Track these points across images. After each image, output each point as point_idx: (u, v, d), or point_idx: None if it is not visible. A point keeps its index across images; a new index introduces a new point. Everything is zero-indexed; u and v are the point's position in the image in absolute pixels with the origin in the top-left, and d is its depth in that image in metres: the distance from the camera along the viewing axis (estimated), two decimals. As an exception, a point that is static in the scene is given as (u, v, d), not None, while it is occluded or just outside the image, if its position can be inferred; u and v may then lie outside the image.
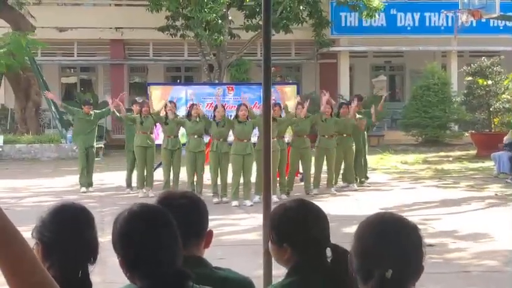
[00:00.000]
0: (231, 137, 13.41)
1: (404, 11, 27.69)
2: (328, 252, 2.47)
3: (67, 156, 21.74)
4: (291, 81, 26.53)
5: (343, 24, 27.36)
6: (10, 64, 22.40)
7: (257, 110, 13.87)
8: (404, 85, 31.05)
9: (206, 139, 13.95)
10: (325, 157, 14.31)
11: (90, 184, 14.88)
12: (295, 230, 2.53)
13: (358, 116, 15.04)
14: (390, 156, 21.54)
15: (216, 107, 13.75)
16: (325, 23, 25.83)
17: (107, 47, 28.20)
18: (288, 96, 16.37)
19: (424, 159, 21.02)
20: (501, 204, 13.02)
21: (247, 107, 13.20)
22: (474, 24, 22.70)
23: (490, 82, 22.25)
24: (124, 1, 29.46)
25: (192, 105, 14.13)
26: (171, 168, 13.89)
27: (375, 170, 17.82)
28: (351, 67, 28.86)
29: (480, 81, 22.34)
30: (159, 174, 14.45)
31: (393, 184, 15.96)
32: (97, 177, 15.56)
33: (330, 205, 11.94)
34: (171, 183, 13.80)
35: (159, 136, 14.75)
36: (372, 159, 17.22)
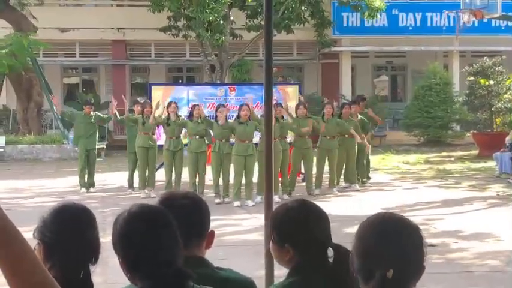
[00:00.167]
0: (233, 138, 13.41)
1: (406, 11, 27.68)
2: (330, 252, 2.47)
3: (69, 156, 21.74)
4: (292, 82, 26.54)
5: (345, 25, 27.35)
6: (12, 65, 22.41)
7: (259, 110, 13.88)
8: (406, 85, 31.03)
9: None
10: (327, 158, 14.31)
11: (91, 185, 14.89)
12: (297, 230, 2.52)
13: (359, 116, 15.07)
14: (392, 157, 21.54)
15: (218, 107, 13.76)
16: (327, 23, 25.82)
17: (109, 48, 28.21)
18: (290, 96, 16.38)
19: (426, 160, 21.02)
20: (503, 204, 13.01)
21: (249, 107, 13.19)
22: (476, 24, 22.75)
23: (491, 82, 22.25)
24: (126, 1, 29.48)
25: (194, 105, 14.13)
26: (173, 168, 13.90)
27: (377, 170, 17.82)
28: (352, 67, 28.85)
29: (482, 81, 22.33)
30: (161, 175, 14.46)
31: (395, 184, 15.95)
32: (99, 178, 15.58)
33: (332, 205, 11.94)
34: (173, 184, 13.81)
35: (161, 137, 14.76)
36: (374, 160, 17.22)
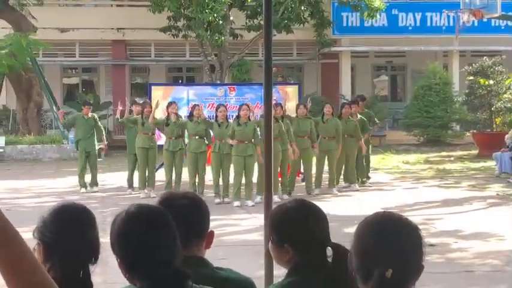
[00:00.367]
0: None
1: (405, 11, 27.67)
2: (329, 251, 2.47)
3: (69, 157, 21.74)
4: (292, 82, 26.55)
5: (344, 24, 27.34)
6: (12, 65, 22.41)
7: (259, 110, 13.88)
8: (406, 85, 31.03)
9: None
10: (326, 157, 14.31)
11: (95, 183, 14.89)
12: (297, 230, 2.53)
13: (359, 116, 15.07)
14: (392, 156, 21.55)
15: (218, 106, 13.76)
16: (326, 23, 25.82)
17: (109, 48, 28.21)
18: (289, 96, 16.38)
19: (426, 159, 21.02)
20: (503, 203, 13.01)
21: (248, 107, 13.20)
22: (476, 24, 22.73)
23: (491, 82, 22.25)
24: (126, 2, 29.47)
25: (194, 105, 14.13)
26: (173, 169, 13.90)
27: (377, 170, 17.82)
28: (352, 67, 28.85)
29: (482, 81, 22.33)
30: (160, 175, 14.46)
31: (395, 184, 15.96)
32: (99, 178, 15.55)
33: (332, 205, 11.95)
34: (173, 184, 13.81)
35: (161, 137, 14.75)
36: (373, 159, 17.23)
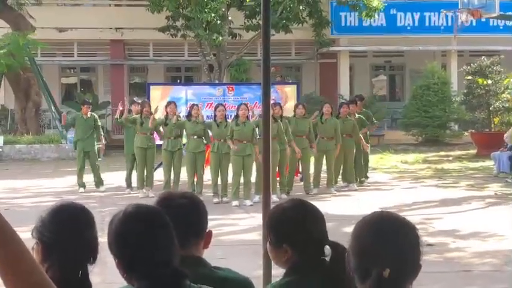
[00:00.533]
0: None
1: (404, 10, 27.68)
2: (327, 250, 2.48)
3: (67, 156, 21.70)
4: (291, 81, 26.55)
5: (343, 24, 27.35)
6: (10, 64, 22.39)
7: (257, 110, 13.88)
8: (404, 85, 31.04)
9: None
10: (324, 157, 14.32)
11: (101, 183, 14.87)
12: (295, 229, 2.53)
13: (358, 115, 15.08)
14: (390, 156, 21.55)
15: (216, 106, 13.76)
16: (325, 22, 25.81)
17: (107, 47, 28.19)
18: (288, 96, 16.39)
19: (424, 159, 21.03)
20: (501, 203, 13.02)
21: (247, 106, 13.20)
22: (474, 24, 22.72)
23: (489, 81, 22.27)
24: (124, 1, 29.46)
25: (193, 105, 14.13)
26: (172, 168, 13.89)
27: (375, 170, 17.83)
28: (351, 67, 28.86)
29: (480, 80, 22.35)
30: (159, 175, 14.46)
31: (393, 184, 15.96)
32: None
33: (330, 205, 11.96)
34: (172, 184, 13.81)
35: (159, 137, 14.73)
36: (372, 159, 17.23)
